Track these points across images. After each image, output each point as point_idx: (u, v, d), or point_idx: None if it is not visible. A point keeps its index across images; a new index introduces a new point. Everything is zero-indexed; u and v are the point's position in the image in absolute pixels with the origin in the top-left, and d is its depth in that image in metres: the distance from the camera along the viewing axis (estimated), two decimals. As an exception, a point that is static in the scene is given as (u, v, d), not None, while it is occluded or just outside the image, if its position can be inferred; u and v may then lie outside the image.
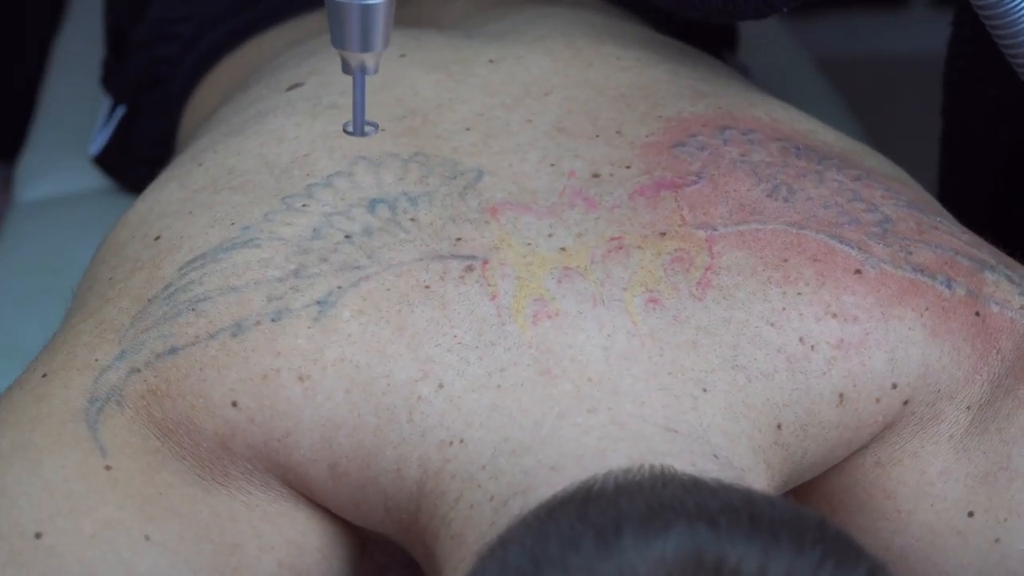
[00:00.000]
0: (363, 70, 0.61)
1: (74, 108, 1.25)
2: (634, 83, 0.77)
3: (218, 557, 0.61)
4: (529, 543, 0.51)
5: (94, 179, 1.18)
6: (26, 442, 0.60)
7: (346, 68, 0.61)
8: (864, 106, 1.56)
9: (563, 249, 0.65)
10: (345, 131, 0.63)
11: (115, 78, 1.11)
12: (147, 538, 0.59)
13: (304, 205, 0.67)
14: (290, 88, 0.78)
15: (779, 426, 0.63)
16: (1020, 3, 0.67)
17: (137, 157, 1.09)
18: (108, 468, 0.60)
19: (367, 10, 0.59)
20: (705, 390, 0.61)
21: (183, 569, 0.59)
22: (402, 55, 0.79)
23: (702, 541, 0.49)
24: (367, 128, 0.63)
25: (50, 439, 0.60)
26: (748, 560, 0.47)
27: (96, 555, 0.58)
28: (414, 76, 0.77)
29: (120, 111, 1.10)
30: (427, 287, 0.63)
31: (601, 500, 0.53)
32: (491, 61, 0.78)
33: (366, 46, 0.60)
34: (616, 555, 0.48)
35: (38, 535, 0.58)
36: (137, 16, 1.08)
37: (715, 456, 0.59)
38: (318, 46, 0.83)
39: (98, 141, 1.14)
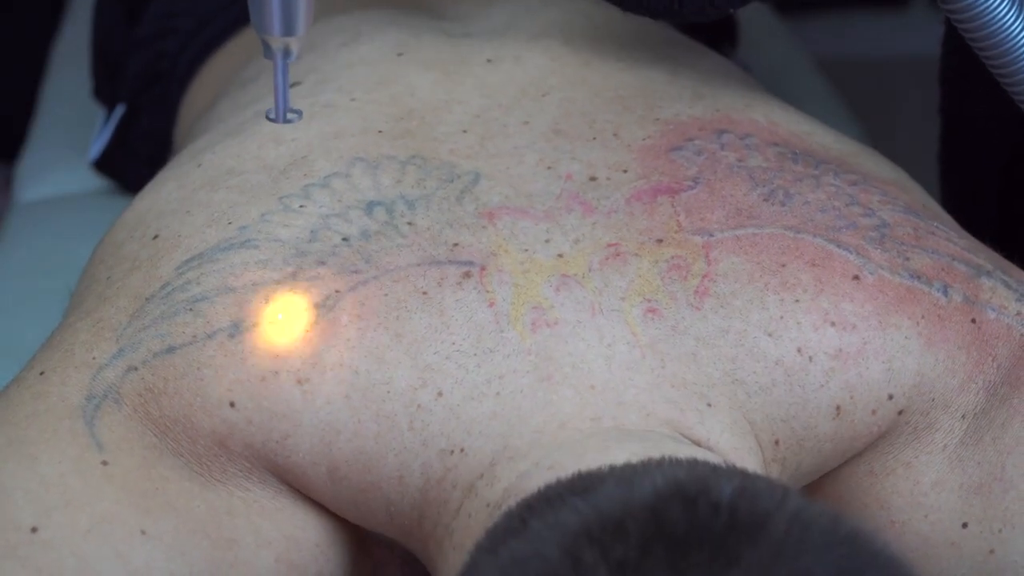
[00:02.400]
0: (285, 55, 0.60)
1: (74, 108, 1.25)
2: (632, 84, 0.77)
3: (215, 552, 0.61)
4: (516, 511, 0.52)
5: (94, 179, 1.18)
6: (22, 438, 0.60)
7: (267, 53, 0.60)
8: (864, 106, 1.56)
9: (560, 256, 0.65)
10: (268, 118, 0.63)
11: (110, 82, 1.11)
12: (143, 532, 0.59)
13: (301, 206, 0.67)
14: (288, 87, 0.78)
15: (777, 442, 0.63)
16: (992, 3, 0.66)
17: (138, 157, 1.09)
18: (104, 463, 0.60)
19: None
20: (710, 405, 0.61)
21: (179, 563, 0.60)
22: (400, 53, 0.78)
23: (682, 474, 0.50)
24: (290, 115, 0.62)
25: (46, 435, 0.60)
26: (728, 485, 0.49)
27: (92, 549, 0.58)
28: (411, 75, 0.76)
29: (118, 112, 1.10)
30: (424, 293, 0.63)
31: (590, 473, 0.54)
32: (489, 61, 0.78)
33: (288, 30, 0.59)
34: (598, 497, 0.49)
35: (34, 529, 0.58)
36: (126, 32, 1.08)
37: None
38: (314, 39, 0.83)
39: (97, 146, 1.14)
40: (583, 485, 0.52)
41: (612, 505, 0.49)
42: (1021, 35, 0.66)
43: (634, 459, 0.55)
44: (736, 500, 0.48)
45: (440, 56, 0.78)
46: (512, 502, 0.57)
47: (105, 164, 1.15)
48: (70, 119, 1.26)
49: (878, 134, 1.23)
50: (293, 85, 0.77)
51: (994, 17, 0.66)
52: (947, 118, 0.98)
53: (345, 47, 0.80)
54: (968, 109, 0.94)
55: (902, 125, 1.59)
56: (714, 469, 0.54)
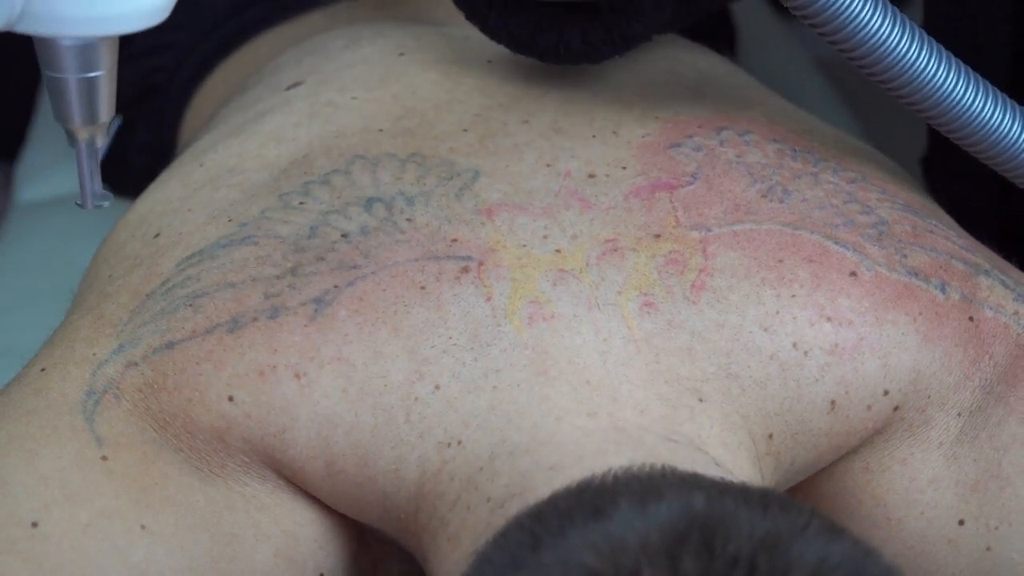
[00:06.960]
0: (91, 143, 0.59)
1: (74, 108, 1.25)
2: (632, 83, 0.77)
3: (214, 546, 0.61)
4: (527, 523, 0.52)
5: (94, 179, 1.18)
6: (23, 434, 0.61)
7: (71, 141, 0.59)
8: (864, 106, 1.56)
9: (558, 251, 0.65)
10: (76, 204, 0.61)
11: None
12: (143, 527, 0.59)
13: (301, 203, 0.67)
14: (289, 88, 0.78)
15: (771, 436, 0.63)
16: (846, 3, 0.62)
17: (136, 169, 1.09)
18: (104, 459, 0.60)
19: (87, 83, 0.57)
20: (701, 400, 0.62)
21: (179, 558, 0.60)
22: (401, 54, 0.79)
23: (696, 501, 0.49)
24: (98, 201, 0.61)
25: (47, 431, 0.61)
26: (740, 517, 0.48)
27: (92, 544, 0.58)
28: (413, 75, 0.77)
29: (115, 124, 1.10)
30: (423, 288, 0.63)
31: (599, 486, 0.54)
32: (489, 61, 0.78)
33: (91, 119, 0.58)
34: (612, 520, 0.49)
35: (34, 524, 0.58)
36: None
37: (717, 464, 0.59)
38: (317, 44, 0.84)
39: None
40: (593, 503, 0.52)
41: (626, 547, 0.48)
42: (883, 30, 0.63)
43: (634, 465, 0.56)
44: (756, 554, 0.47)
45: (441, 56, 0.79)
46: (516, 503, 0.57)
47: (103, 173, 1.14)
48: (70, 119, 1.26)
49: (878, 134, 1.23)
50: (294, 85, 0.78)
51: (849, 15, 0.62)
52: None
53: (347, 49, 0.81)
54: None
55: (902, 125, 1.58)
56: (730, 495, 0.52)
